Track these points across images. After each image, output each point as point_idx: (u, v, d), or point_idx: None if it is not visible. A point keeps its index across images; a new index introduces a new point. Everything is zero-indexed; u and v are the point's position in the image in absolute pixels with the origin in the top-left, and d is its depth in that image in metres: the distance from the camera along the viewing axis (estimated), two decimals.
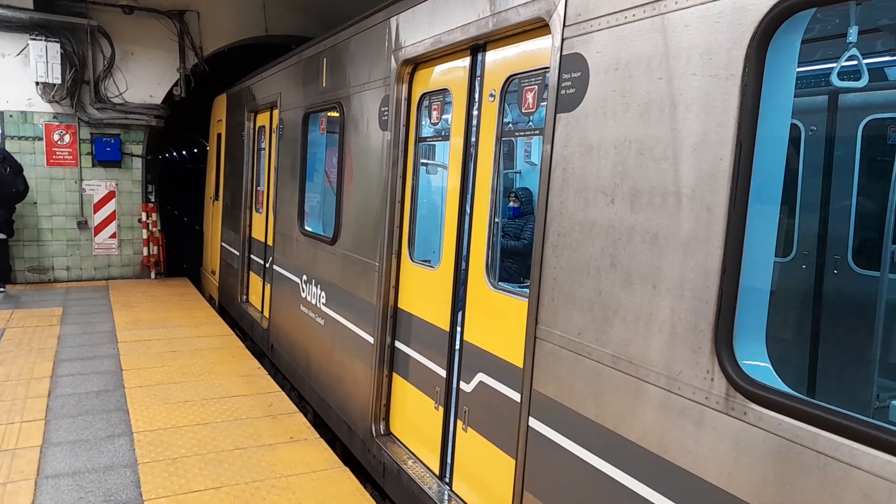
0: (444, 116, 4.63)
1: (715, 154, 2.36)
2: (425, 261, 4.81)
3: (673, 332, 2.51)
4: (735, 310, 2.30)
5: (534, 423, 3.26)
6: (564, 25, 3.11)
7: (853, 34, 3.08)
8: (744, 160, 2.26)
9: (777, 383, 2.24)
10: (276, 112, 8.44)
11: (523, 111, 3.73)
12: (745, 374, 2.25)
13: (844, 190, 5.06)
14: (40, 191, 12.19)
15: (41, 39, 11.33)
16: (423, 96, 4.75)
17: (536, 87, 3.62)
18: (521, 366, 3.49)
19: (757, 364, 2.32)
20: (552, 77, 3.19)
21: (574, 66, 3.04)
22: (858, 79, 3.46)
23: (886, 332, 4.37)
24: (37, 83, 11.63)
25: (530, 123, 4.10)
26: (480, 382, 3.95)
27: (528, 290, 3.40)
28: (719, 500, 2.29)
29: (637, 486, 2.65)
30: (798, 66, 2.40)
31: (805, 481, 2.04)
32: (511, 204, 6.88)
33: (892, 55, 4.74)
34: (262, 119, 9.44)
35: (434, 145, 5.19)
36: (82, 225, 12.58)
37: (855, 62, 3.26)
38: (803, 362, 5.08)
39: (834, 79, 3.37)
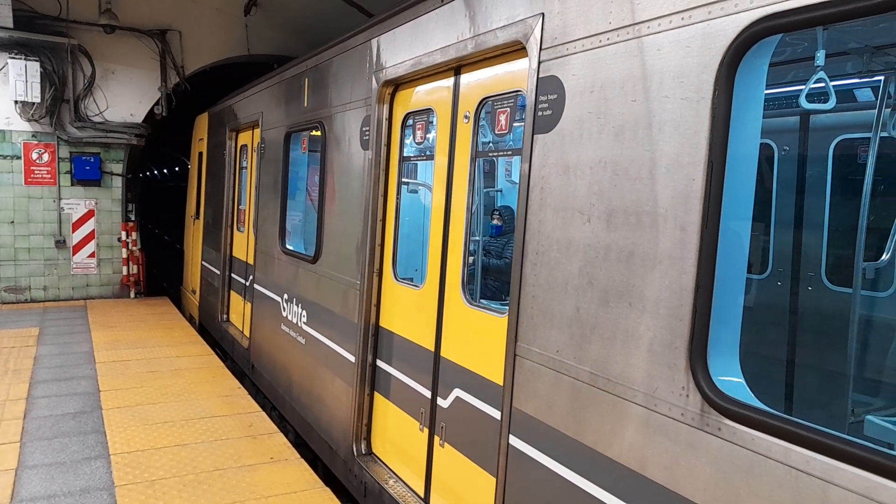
0: (426, 136, 4.67)
1: (687, 174, 2.41)
2: (408, 279, 4.82)
3: (649, 349, 2.55)
4: (709, 326, 2.34)
5: (514, 440, 3.27)
6: (541, 49, 3.17)
7: (821, 58, 3.17)
8: (715, 180, 2.32)
9: (750, 399, 2.27)
10: (257, 131, 8.45)
11: (496, 133, 3.79)
12: (719, 390, 2.28)
13: (817, 208, 5.17)
14: (18, 210, 12.05)
15: (21, 58, 11.27)
16: (405, 116, 4.79)
17: (509, 109, 3.68)
18: (497, 381, 3.51)
19: (731, 380, 2.36)
20: (529, 99, 3.25)
21: (550, 88, 3.10)
22: (827, 101, 3.56)
23: (860, 347, 4.45)
24: (16, 102, 11.54)
25: (510, 143, 4.14)
26: (457, 398, 3.96)
27: (503, 307, 3.42)
28: None
29: None
30: (771, 88, 2.47)
31: (778, 496, 2.07)
32: (494, 222, 6.92)
33: (861, 77, 4.87)
34: (244, 138, 9.44)
35: (416, 164, 5.22)
36: (60, 244, 12.43)
37: (823, 84, 3.35)
38: (779, 377, 5.15)
39: (802, 101, 3.46)
